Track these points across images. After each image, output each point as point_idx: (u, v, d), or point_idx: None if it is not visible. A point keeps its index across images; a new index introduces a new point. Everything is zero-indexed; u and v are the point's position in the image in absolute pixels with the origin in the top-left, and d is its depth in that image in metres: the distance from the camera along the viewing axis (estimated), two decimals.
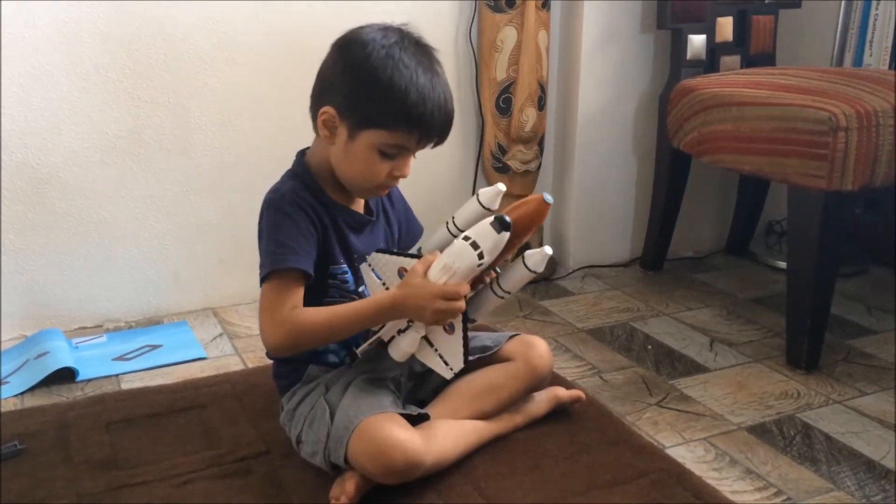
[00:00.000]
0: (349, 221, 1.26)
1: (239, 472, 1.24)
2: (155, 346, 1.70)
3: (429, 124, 1.16)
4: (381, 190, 1.24)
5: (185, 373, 1.59)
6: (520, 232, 1.16)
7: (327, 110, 1.17)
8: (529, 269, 1.18)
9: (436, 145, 1.21)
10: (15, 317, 1.74)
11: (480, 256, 1.10)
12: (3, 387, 1.52)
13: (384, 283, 1.21)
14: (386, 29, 1.19)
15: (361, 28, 1.20)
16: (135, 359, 1.65)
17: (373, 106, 1.15)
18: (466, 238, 1.11)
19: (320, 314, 1.18)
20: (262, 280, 1.18)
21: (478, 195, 1.20)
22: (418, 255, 1.19)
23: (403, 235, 1.38)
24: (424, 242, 1.27)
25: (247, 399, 1.46)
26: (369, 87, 1.14)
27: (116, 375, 1.58)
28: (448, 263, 1.12)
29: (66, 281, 1.76)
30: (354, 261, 1.26)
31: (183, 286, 1.87)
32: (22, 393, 1.50)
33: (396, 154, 1.18)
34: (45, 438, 1.33)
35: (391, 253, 1.21)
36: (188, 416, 1.41)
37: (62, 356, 1.58)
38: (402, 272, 1.18)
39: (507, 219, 1.09)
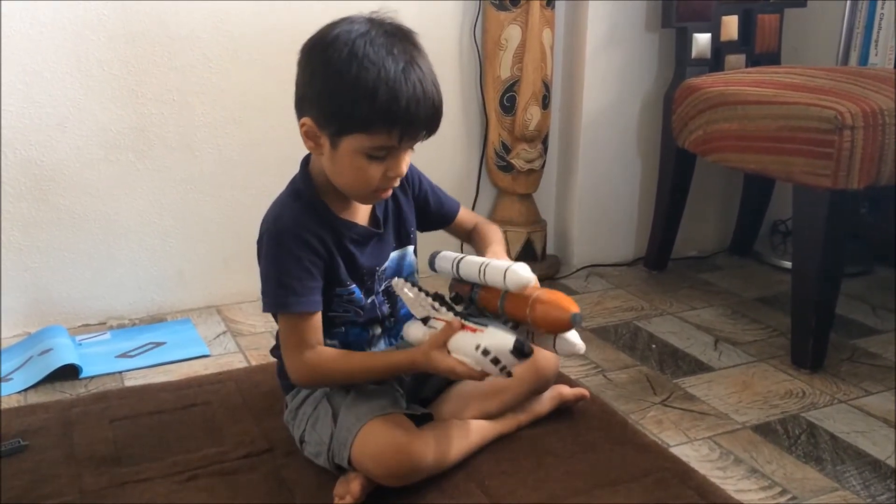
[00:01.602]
0: (355, 237, 1.22)
1: (242, 470, 1.24)
2: (158, 344, 1.70)
3: (408, 120, 1.08)
4: (381, 193, 1.18)
5: (189, 370, 1.59)
6: (537, 328, 1.10)
7: (306, 121, 1.13)
8: (556, 352, 1.16)
9: (427, 136, 1.14)
10: (19, 314, 1.74)
11: (502, 370, 1.07)
12: (6, 383, 1.52)
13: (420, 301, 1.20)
14: (352, 21, 1.11)
15: (326, 27, 1.12)
16: (138, 356, 1.65)
17: (345, 111, 1.08)
18: (486, 353, 1.06)
19: (341, 364, 1.18)
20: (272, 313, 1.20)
21: (506, 275, 1.09)
22: (451, 305, 1.16)
23: (435, 219, 1.35)
24: (463, 263, 1.21)
25: (250, 396, 1.46)
26: (337, 92, 1.08)
27: (120, 372, 1.58)
28: (471, 363, 1.09)
29: (70, 278, 1.76)
30: (364, 276, 1.23)
31: (187, 284, 1.87)
32: (25, 389, 1.50)
33: (385, 155, 1.12)
34: (49, 435, 1.33)
35: (425, 293, 1.19)
36: (191, 413, 1.41)
37: (66, 353, 1.58)
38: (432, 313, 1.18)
39: (529, 348, 1.04)
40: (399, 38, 1.10)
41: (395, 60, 1.07)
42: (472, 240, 1.38)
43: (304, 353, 1.18)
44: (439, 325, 1.15)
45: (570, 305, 1.05)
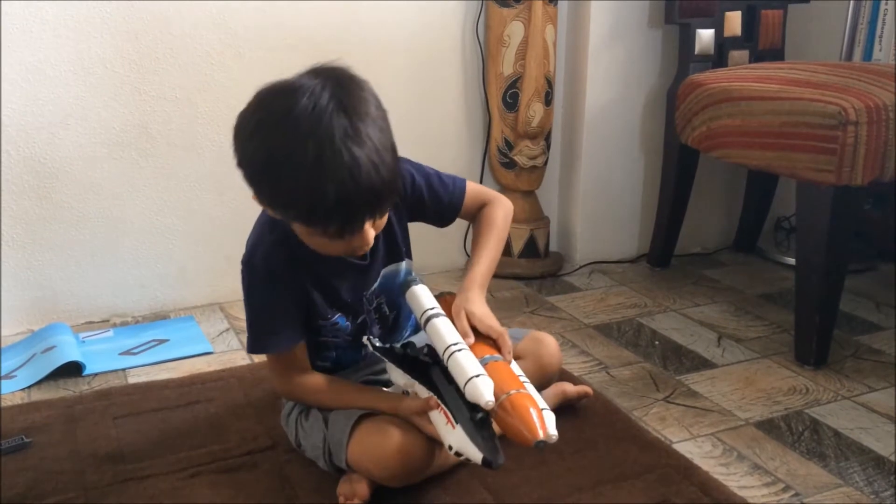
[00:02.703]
0: (336, 269, 1.15)
1: (245, 467, 1.24)
2: (161, 341, 1.70)
3: (343, 214, 0.97)
4: (356, 252, 1.09)
5: (192, 367, 1.59)
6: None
7: (255, 196, 1.05)
8: None
9: (380, 217, 1.05)
10: (22, 311, 1.74)
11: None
12: (10, 381, 1.52)
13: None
14: (283, 94, 0.98)
15: (253, 103, 1.01)
16: (141, 353, 1.65)
17: (277, 206, 1.02)
18: (458, 454, 1.03)
19: (325, 397, 1.18)
20: None
21: (466, 385, 1.01)
22: (422, 362, 1.12)
23: (434, 217, 1.25)
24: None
25: (253, 393, 1.46)
26: (264, 191, 1.02)
27: (123, 370, 1.59)
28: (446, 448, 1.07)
29: (73, 275, 1.77)
30: (349, 306, 1.19)
31: (189, 281, 1.88)
32: (29, 387, 1.51)
33: (339, 236, 1.02)
34: (52, 432, 1.33)
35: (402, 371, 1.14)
36: (194, 410, 1.41)
37: (69, 350, 1.58)
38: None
39: (497, 464, 1.00)
40: (333, 110, 0.95)
41: (321, 146, 0.93)
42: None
43: (291, 379, 1.19)
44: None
45: (536, 430, 0.96)
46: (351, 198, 0.95)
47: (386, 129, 1.00)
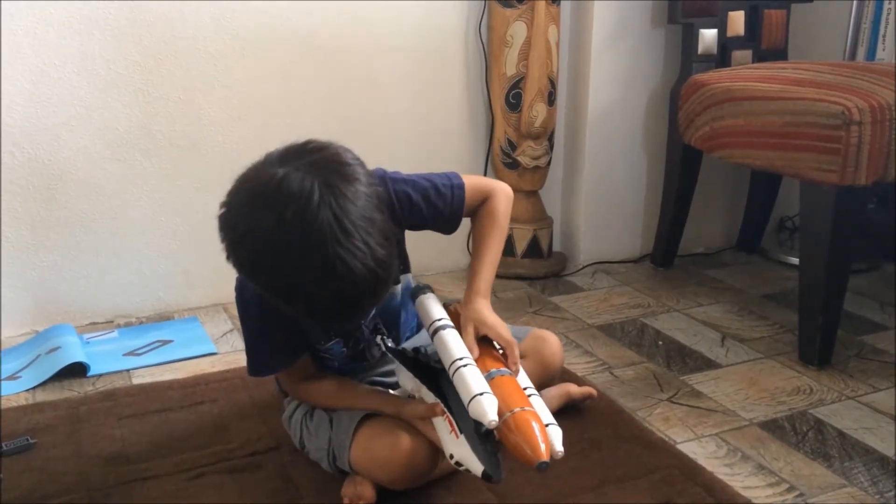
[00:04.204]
0: None
1: (249, 467, 1.24)
2: (166, 342, 1.71)
3: (341, 318, 0.99)
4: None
5: (196, 368, 1.60)
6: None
7: None
8: None
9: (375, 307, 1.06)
10: (27, 312, 1.74)
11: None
12: (14, 381, 1.53)
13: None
14: (264, 198, 0.95)
15: (236, 197, 1.00)
16: (146, 354, 1.65)
17: (275, 302, 0.99)
18: (459, 465, 1.03)
19: (332, 400, 1.19)
20: None
21: (470, 403, 0.99)
22: (430, 367, 1.11)
23: (437, 228, 1.21)
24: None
25: (257, 394, 1.46)
26: (259, 289, 1.00)
27: (127, 370, 1.59)
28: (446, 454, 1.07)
29: (78, 276, 1.77)
30: (346, 334, 1.19)
31: (193, 282, 1.88)
32: (33, 388, 1.51)
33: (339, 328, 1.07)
34: (57, 433, 1.34)
35: (412, 372, 1.13)
36: (199, 410, 1.41)
37: (74, 351, 1.58)
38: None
39: (497, 478, 1.00)
40: (323, 214, 0.90)
41: (313, 258, 0.90)
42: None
43: (297, 386, 1.22)
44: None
45: (539, 450, 0.94)
46: (348, 302, 0.95)
47: (378, 219, 0.95)
